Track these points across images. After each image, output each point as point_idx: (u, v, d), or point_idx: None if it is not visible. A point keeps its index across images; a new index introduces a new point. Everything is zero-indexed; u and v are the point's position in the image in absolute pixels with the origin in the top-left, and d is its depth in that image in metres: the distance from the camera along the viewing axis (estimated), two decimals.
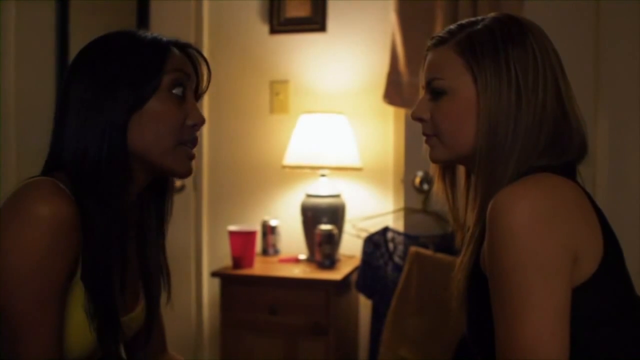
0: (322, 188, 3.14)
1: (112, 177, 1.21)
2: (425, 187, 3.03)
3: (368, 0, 3.30)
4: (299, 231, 3.18)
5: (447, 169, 1.40)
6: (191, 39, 3.39)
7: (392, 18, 3.04)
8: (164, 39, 1.29)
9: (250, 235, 3.00)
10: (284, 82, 3.41)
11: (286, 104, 3.41)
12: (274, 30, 3.40)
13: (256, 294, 2.91)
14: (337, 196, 3.14)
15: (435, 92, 1.28)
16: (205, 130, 3.44)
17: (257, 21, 3.42)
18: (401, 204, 3.15)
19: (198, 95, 1.35)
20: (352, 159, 3.12)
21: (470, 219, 1.29)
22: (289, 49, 3.40)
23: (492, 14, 1.29)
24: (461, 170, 1.40)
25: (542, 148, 1.21)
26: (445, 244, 2.86)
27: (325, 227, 2.99)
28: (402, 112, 3.13)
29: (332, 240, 2.99)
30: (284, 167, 3.18)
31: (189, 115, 1.28)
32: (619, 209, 2.74)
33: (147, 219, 1.39)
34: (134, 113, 1.22)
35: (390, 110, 3.21)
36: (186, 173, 1.30)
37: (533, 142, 1.20)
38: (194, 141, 1.31)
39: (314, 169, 3.16)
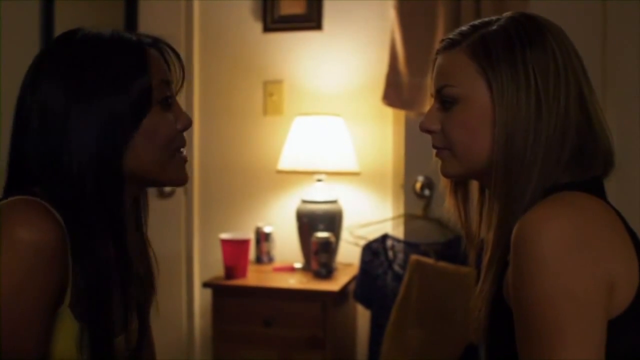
0: (318, 193, 3.11)
1: (106, 201, 1.17)
2: (427, 192, 3.01)
3: None
4: (294, 238, 3.15)
5: (460, 183, 1.33)
6: (181, 37, 3.38)
7: (391, 15, 3.02)
8: (137, 40, 1.23)
9: (244, 244, 2.96)
10: (278, 82, 3.37)
11: (280, 105, 3.38)
12: (267, 28, 3.37)
13: (250, 305, 2.88)
14: (334, 202, 3.11)
15: (446, 101, 1.21)
16: (196, 132, 3.40)
17: (249, 19, 3.39)
18: (401, 210, 3.13)
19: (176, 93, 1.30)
20: (349, 163, 3.09)
21: (487, 238, 1.22)
22: (283, 48, 3.37)
23: (507, 13, 1.21)
24: (474, 183, 1.33)
25: (566, 162, 1.14)
26: (447, 252, 2.84)
27: (321, 234, 2.96)
28: (401, 114, 3.11)
29: (328, 249, 2.96)
30: (279, 171, 3.15)
31: (178, 120, 1.25)
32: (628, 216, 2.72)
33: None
34: (128, 136, 1.17)
35: (389, 112, 3.18)
36: (184, 181, 1.29)
37: (555, 155, 1.13)
38: (185, 144, 1.28)
39: (309, 174, 3.13)
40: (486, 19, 1.23)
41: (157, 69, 1.22)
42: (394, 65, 3.03)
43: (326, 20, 3.32)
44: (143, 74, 1.19)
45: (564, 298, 1.01)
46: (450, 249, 2.84)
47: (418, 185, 3.03)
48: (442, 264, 2.77)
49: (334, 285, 2.87)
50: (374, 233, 3.08)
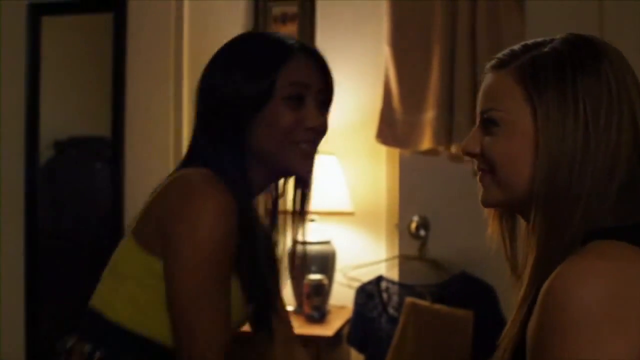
0: (311, 234, 3.11)
1: (237, 174, 1.41)
2: (422, 232, 3.01)
3: (359, 31, 3.29)
4: (286, 280, 3.14)
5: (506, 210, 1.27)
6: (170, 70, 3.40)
7: (385, 51, 3.05)
8: (287, 43, 1.46)
9: None
10: None
11: None
12: None
13: (239, 350, 2.85)
14: (327, 243, 3.10)
15: (489, 124, 1.17)
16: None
17: None
18: (395, 251, 3.11)
19: (325, 103, 1.51)
20: (342, 202, 3.09)
21: (524, 275, 1.15)
22: None
23: (562, 35, 1.16)
24: None
25: (613, 201, 1.07)
26: (443, 293, 2.83)
27: (314, 277, 2.95)
28: (395, 152, 3.12)
29: (321, 292, 2.94)
30: None
31: (307, 118, 1.44)
32: None
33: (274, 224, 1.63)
34: (252, 118, 1.41)
35: (383, 150, 3.19)
36: (302, 170, 1.48)
37: (602, 192, 1.06)
38: (313, 141, 1.48)
39: None
40: (539, 40, 1.17)
41: (294, 70, 1.43)
42: (387, 102, 3.04)
43: None
44: (273, 70, 1.41)
45: None
46: (446, 290, 2.83)
47: (413, 226, 3.02)
48: (437, 306, 2.75)
49: (327, 330, 2.84)
50: (368, 274, 3.06)
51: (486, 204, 1.22)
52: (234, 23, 3.44)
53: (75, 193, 3.71)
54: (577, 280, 0.98)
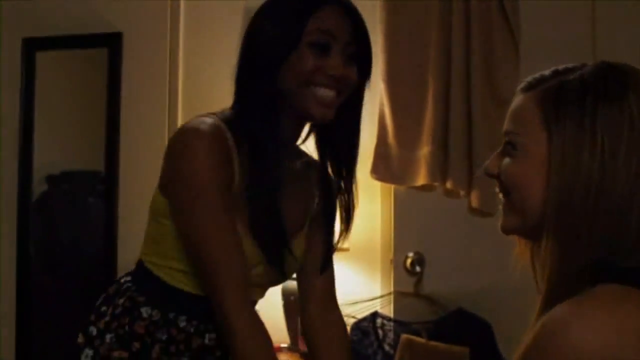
0: None
1: (263, 113, 1.53)
2: (417, 268, 3.00)
3: None
4: (279, 317, 3.12)
5: None
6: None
7: (380, 87, 3.06)
8: None
9: None
10: None
11: None
12: None
13: None
14: None
15: (508, 146, 1.16)
16: None
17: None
18: (390, 287, 3.10)
19: (354, 56, 1.56)
20: (336, 238, 3.09)
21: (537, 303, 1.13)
22: None
23: (595, 62, 1.13)
24: None
25: (632, 240, 1.04)
26: (439, 330, 2.81)
27: None
28: (389, 187, 3.12)
29: None
30: None
31: (329, 66, 1.50)
32: None
33: (326, 162, 1.72)
34: (281, 63, 1.50)
35: (378, 185, 3.18)
36: (317, 113, 1.53)
37: (617, 229, 1.03)
38: (335, 89, 1.53)
39: None
40: (571, 66, 1.15)
41: (323, 19, 1.50)
42: (382, 137, 3.05)
43: None
44: (303, 17, 1.49)
45: None
46: (442, 327, 2.82)
47: (408, 261, 3.02)
48: (433, 343, 2.74)
49: None
50: (363, 311, 3.04)
51: (503, 230, 1.20)
52: (229, 55, 3.45)
53: (68, 227, 3.70)
54: (565, 322, 0.97)
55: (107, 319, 1.60)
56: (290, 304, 3.03)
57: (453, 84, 2.94)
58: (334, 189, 1.75)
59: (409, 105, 3.01)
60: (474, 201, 2.92)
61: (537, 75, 1.17)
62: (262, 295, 1.69)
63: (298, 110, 1.55)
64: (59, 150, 3.70)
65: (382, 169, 3.04)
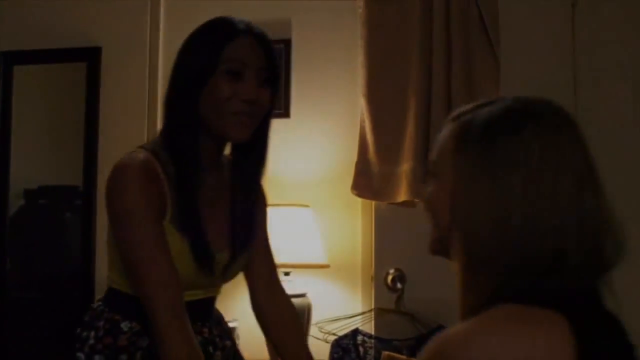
0: (285, 287, 3.08)
1: (184, 137, 1.69)
2: (398, 285, 3.00)
3: (334, 84, 3.31)
4: (260, 334, 3.09)
5: None
6: None
7: (361, 103, 3.07)
8: (237, 26, 1.70)
9: None
10: None
11: None
12: None
13: None
14: (302, 296, 3.07)
15: (429, 173, 1.22)
16: None
17: None
18: (371, 304, 3.09)
19: (268, 80, 1.73)
20: (317, 255, 3.06)
21: None
22: None
23: (512, 97, 1.17)
24: None
25: (534, 264, 1.05)
26: (420, 347, 2.80)
27: None
28: (371, 204, 3.11)
29: None
30: None
31: (243, 91, 1.66)
32: None
33: (236, 185, 1.87)
34: (200, 90, 1.67)
35: (359, 202, 3.18)
36: (236, 136, 1.72)
37: (519, 259, 1.04)
38: (249, 112, 1.69)
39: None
40: (490, 100, 1.19)
41: (236, 49, 1.67)
42: (363, 153, 3.05)
43: (294, 108, 3.36)
44: (218, 47, 1.66)
45: None
46: (424, 344, 2.81)
47: (389, 278, 3.02)
48: None
49: None
50: (344, 328, 3.03)
51: (428, 250, 1.25)
52: None
53: (45, 242, 3.67)
54: (458, 337, 1.01)
55: (91, 342, 1.72)
56: None
57: (434, 99, 2.95)
58: (255, 190, 1.95)
59: (389, 121, 3.02)
60: None
61: (462, 107, 1.21)
62: (216, 292, 1.92)
63: (218, 132, 1.71)
64: (37, 165, 3.68)
65: (363, 185, 3.04)
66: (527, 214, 1.04)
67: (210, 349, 1.83)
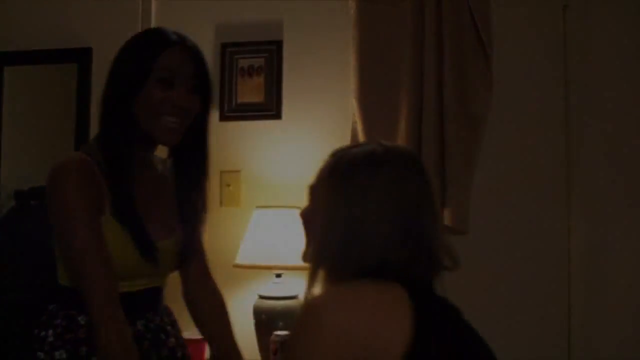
0: (278, 289, 3.06)
1: (119, 137, 1.80)
2: None
3: (326, 85, 3.31)
4: (251, 337, 3.09)
5: None
6: None
7: (353, 104, 3.07)
8: (169, 37, 1.83)
9: (199, 343, 2.90)
10: (235, 172, 3.37)
11: (237, 196, 3.37)
12: (224, 117, 3.39)
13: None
14: (294, 298, 3.07)
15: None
16: None
17: None
18: None
19: (198, 88, 1.86)
20: None
21: None
22: (240, 137, 3.38)
23: (379, 142, 1.47)
24: None
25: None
26: None
27: (281, 333, 2.91)
28: None
29: None
30: (235, 265, 3.10)
31: (173, 98, 1.79)
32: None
33: (181, 176, 1.97)
34: (135, 97, 1.78)
35: None
36: (166, 140, 1.85)
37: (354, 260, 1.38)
38: (179, 117, 1.81)
39: (268, 269, 3.08)
40: (363, 143, 1.58)
41: (168, 58, 1.80)
42: None
43: (285, 109, 3.36)
44: (151, 56, 1.78)
45: None
46: None
47: None
48: None
49: None
50: None
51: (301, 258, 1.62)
52: None
53: (36, 243, 3.66)
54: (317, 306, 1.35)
55: (50, 339, 1.80)
56: (261, 323, 3.02)
57: (425, 101, 2.95)
58: (197, 185, 2.00)
59: (381, 123, 3.01)
60: (447, 219, 2.92)
61: (340, 147, 1.52)
62: (162, 282, 2.01)
63: (150, 135, 1.83)
64: (27, 166, 3.66)
65: None
66: (371, 237, 1.36)
67: (162, 336, 1.94)
